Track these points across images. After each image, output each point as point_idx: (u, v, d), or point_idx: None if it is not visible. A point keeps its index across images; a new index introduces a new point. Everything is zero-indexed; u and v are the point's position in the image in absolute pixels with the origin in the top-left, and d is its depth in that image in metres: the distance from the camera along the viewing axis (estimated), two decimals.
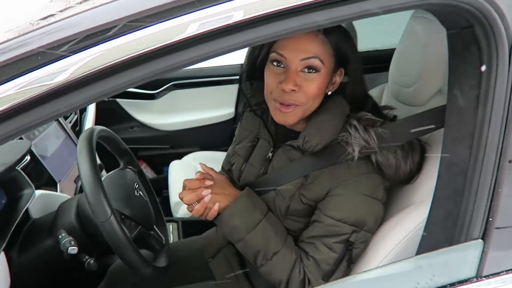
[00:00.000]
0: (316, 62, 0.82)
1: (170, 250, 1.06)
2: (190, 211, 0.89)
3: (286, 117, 0.86)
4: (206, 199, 0.87)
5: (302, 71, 0.83)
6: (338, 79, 0.89)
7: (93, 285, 1.20)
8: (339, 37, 0.84)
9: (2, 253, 0.88)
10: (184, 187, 0.90)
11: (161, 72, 0.56)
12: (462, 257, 0.64)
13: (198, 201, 0.87)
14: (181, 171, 1.88)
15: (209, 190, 0.87)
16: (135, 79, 0.55)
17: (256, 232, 0.87)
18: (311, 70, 0.83)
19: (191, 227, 1.62)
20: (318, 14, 0.57)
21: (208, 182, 0.90)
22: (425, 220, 0.75)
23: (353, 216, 0.84)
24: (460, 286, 0.62)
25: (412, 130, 0.84)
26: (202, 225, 1.35)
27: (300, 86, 0.83)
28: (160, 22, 0.54)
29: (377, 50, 2.22)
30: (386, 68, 1.16)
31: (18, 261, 0.92)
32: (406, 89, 1.04)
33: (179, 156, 2.01)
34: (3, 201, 1.03)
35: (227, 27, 0.55)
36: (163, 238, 1.07)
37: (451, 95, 0.71)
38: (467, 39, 0.65)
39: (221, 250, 1.10)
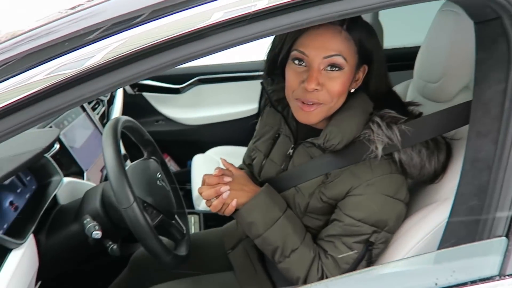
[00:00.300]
0: (339, 60, 0.80)
1: (190, 240, 1.08)
2: (209, 206, 0.90)
3: (308, 116, 0.84)
4: (224, 195, 0.87)
5: (325, 69, 0.81)
6: (361, 76, 0.87)
7: (116, 272, 1.24)
8: (363, 34, 0.82)
9: (32, 235, 0.92)
10: (203, 182, 0.92)
11: (183, 60, 0.57)
12: (484, 255, 0.62)
13: (217, 196, 0.88)
14: (203, 165, 1.91)
15: (227, 187, 0.88)
16: (157, 66, 0.56)
17: (275, 229, 0.87)
18: (334, 68, 0.81)
19: (212, 219, 1.65)
20: (340, 4, 0.57)
21: (227, 179, 0.90)
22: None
23: (374, 216, 0.83)
24: (481, 283, 0.60)
25: (437, 127, 0.82)
26: (223, 218, 1.36)
27: (323, 85, 0.81)
28: (185, 10, 0.56)
29: (404, 48, 2.18)
30: (413, 66, 1.13)
31: (46, 244, 0.96)
32: (431, 85, 1.02)
33: (203, 150, 2.04)
34: (33, 187, 1.07)
35: (250, 15, 0.55)
36: (184, 228, 1.09)
37: (477, 88, 0.69)
38: (495, 31, 0.63)
39: (241, 242, 1.11)
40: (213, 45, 0.57)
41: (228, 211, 0.89)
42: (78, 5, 0.65)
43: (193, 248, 1.07)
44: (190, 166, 1.98)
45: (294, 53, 0.83)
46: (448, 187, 0.87)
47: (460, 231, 0.67)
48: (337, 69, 0.81)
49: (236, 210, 0.90)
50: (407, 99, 1.16)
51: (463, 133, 0.87)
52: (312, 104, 0.83)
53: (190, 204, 1.77)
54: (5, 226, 0.90)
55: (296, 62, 0.83)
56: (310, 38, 0.81)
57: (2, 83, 0.56)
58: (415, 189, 0.95)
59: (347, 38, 0.81)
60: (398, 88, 1.23)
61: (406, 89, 1.21)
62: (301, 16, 0.58)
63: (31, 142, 0.96)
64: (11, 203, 0.96)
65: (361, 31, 0.82)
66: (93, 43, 0.56)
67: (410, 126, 0.82)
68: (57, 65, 0.54)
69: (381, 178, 0.83)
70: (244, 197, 0.89)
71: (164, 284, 1.08)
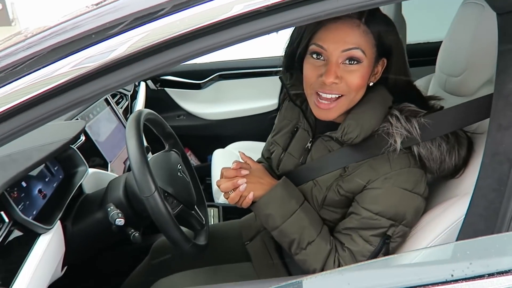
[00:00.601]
0: (358, 53, 0.80)
1: (209, 230, 1.10)
2: (226, 198, 0.92)
3: (328, 113, 0.84)
4: (241, 188, 0.89)
5: (343, 63, 0.81)
6: (380, 69, 0.86)
7: (137, 261, 1.27)
8: (381, 27, 0.82)
9: (59, 222, 0.97)
10: (221, 175, 0.93)
11: (204, 51, 0.59)
12: (502, 247, 0.61)
13: (234, 189, 0.90)
14: (224, 160, 1.93)
15: (244, 180, 0.90)
16: (178, 57, 0.58)
17: (291, 221, 0.88)
18: (352, 62, 0.80)
19: (231, 212, 1.67)
20: None
21: (244, 172, 0.92)
22: None
23: (392, 210, 0.83)
24: (499, 276, 0.59)
25: (457, 120, 0.81)
26: (242, 211, 1.38)
27: (341, 78, 0.81)
28: (206, 2, 0.57)
29: (428, 42, 2.14)
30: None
31: (72, 230, 1.00)
32: (453, 79, 1.01)
33: (223, 145, 2.06)
34: (61, 177, 1.12)
35: (269, 7, 0.56)
36: (203, 219, 1.12)
37: (498, 81, 0.69)
38: None
39: (259, 234, 1.13)
40: (233, 37, 0.58)
41: (245, 204, 0.91)
42: (103, 1, 0.67)
43: (211, 239, 1.09)
44: (210, 160, 2.01)
45: (312, 47, 0.83)
46: (469, 181, 0.86)
47: (479, 224, 0.66)
48: (355, 62, 0.81)
49: (254, 202, 0.91)
50: (429, 93, 1.15)
51: (485, 127, 0.86)
52: (330, 100, 0.83)
53: (210, 197, 1.80)
54: (34, 212, 0.95)
55: (315, 56, 0.83)
56: (328, 32, 0.80)
57: (31, 75, 0.59)
58: (435, 183, 0.94)
59: (366, 32, 0.80)
60: (420, 82, 1.22)
61: (428, 83, 1.20)
62: (320, 7, 0.58)
63: (59, 133, 1.00)
64: (40, 191, 1.01)
65: (379, 24, 0.82)
66: (117, 36, 0.58)
67: (429, 119, 0.81)
68: (83, 58, 0.57)
69: (399, 172, 0.83)
70: (261, 190, 0.90)
71: (183, 272, 1.11)
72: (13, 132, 0.59)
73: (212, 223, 1.67)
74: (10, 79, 0.58)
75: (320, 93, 0.83)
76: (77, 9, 0.71)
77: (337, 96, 0.83)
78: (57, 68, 0.59)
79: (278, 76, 1.02)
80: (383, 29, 0.82)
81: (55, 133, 0.99)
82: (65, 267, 1.05)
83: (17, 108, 0.59)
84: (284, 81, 0.99)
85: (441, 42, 1.08)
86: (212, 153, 2.02)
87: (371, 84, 0.87)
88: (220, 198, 1.73)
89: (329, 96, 0.83)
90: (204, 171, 2.03)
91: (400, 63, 0.86)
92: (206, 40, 0.57)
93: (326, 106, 0.83)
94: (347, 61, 0.81)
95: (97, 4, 0.67)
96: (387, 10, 1.72)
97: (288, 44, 0.93)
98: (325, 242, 0.87)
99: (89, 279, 1.30)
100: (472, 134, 0.87)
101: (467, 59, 0.96)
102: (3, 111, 0.58)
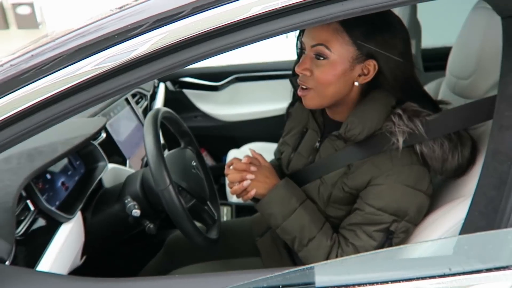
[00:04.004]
0: (322, 49, 0.84)
1: (221, 225, 1.14)
2: (230, 188, 0.97)
3: (304, 100, 0.90)
4: (245, 183, 0.94)
5: (315, 58, 0.86)
6: (371, 70, 0.86)
7: (151, 255, 1.32)
8: (360, 29, 0.82)
9: (79, 213, 1.02)
10: (230, 164, 0.98)
11: (218, 51, 0.63)
12: (501, 244, 0.63)
13: (240, 182, 0.95)
14: None
15: (252, 176, 0.94)
16: (193, 56, 0.62)
17: (292, 219, 0.91)
18: (320, 57, 0.85)
19: (244, 211, 1.71)
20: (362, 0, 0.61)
21: (253, 168, 0.96)
22: None
23: (394, 206, 0.84)
24: (497, 272, 0.61)
25: (460, 120, 0.82)
26: (254, 210, 1.42)
27: (312, 71, 0.86)
28: (224, 4, 0.61)
29: (445, 47, 2.14)
30: None
31: (92, 221, 1.05)
32: (463, 81, 1.02)
33: (238, 146, 2.11)
34: (82, 171, 1.18)
35: (269, 13, 0.60)
36: (215, 214, 1.16)
37: (502, 82, 0.70)
38: None
39: (269, 230, 1.16)
40: (243, 39, 0.62)
41: (245, 198, 0.96)
42: (126, 5, 0.72)
43: (223, 234, 1.13)
44: (225, 161, 2.06)
45: (299, 43, 0.90)
46: (474, 182, 0.87)
47: (480, 222, 0.68)
48: (322, 58, 0.85)
49: (257, 200, 0.96)
50: (439, 97, 1.17)
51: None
52: (305, 89, 0.89)
53: (224, 196, 1.85)
54: (57, 203, 1.01)
55: (303, 51, 0.90)
56: (307, 29, 0.86)
57: (57, 72, 0.64)
58: (442, 184, 0.96)
59: (336, 30, 0.83)
60: (430, 86, 1.23)
61: (439, 87, 1.22)
62: (325, 11, 0.62)
63: (81, 128, 1.06)
64: (63, 183, 1.07)
65: (357, 25, 0.82)
66: (138, 36, 0.63)
67: (432, 119, 0.83)
68: (105, 57, 0.62)
69: (401, 169, 0.85)
70: (263, 189, 0.95)
71: (195, 265, 1.16)
72: (43, 123, 0.64)
73: (225, 220, 1.71)
74: (41, 75, 0.64)
75: (299, 82, 0.90)
76: (101, 12, 0.76)
77: (306, 87, 0.89)
78: (81, 66, 0.64)
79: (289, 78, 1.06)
80: (362, 31, 0.82)
81: (78, 128, 1.05)
82: (84, 257, 1.10)
83: (47, 101, 0.64)
84: (294, 84, 1.02)
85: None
86: (227, 154, 2.06)
87: (356, 83, 0.87)
88: (234, 197, 1.77)
89: (302, 86, 0.89)
90: (219, 171, 2.07)
91: (392, 65, 0.84)
92: (220, 41, 0.61)
93: (301, 93, 0.90)
94: (316, 56, 0.86)
95: (120, 8, 0.72)
96: (402, 14, 1.73)
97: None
98: (325, 238, 0.90)
99: (106, 270, 1.35)
100: (479, 135, 0.88)
101: (476, 62, 0.98)
102: (34, 104, 0.63)
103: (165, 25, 0.62)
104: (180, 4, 0.63)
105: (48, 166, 0.93)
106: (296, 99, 1.07)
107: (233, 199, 1.76)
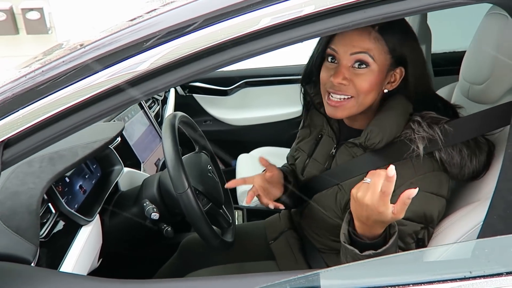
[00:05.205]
0: (365, 57, 0.84)
1: (235, 229, 1.15)
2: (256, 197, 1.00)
3: (336, 110, 0.88)
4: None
5: (352, 66, 0.85)
6: (398, 77, 0.88)
7: (166, 258, 1.34)
8: (396, 36, 0.84)
9: (98, 215, 1.04)
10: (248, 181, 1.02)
11: (229, 62, 0.64)
12: None
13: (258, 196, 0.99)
14: (248, 164, 1.99)
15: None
16: (203, 68, 0.64)
17: None
18: (361, 66, 0.85)
19: (255, 215, 1.72)
20: (383, 8, 0.62)
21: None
22: None
23: (420, 214, 0.84)
24: None
25: (478, 127, 0.83)
26: (265, 213, 1.44)
27: (350, 80, 0.85)
28: (235, 17, 0.62)
29: (454, 52, 2.15)
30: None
31: (109, 224, 1.07)
32: (477, 87, 1.03)
33: (247, 150, 2.12)
34: (98, 174, 1.20)
35: (293, 20, 0.61)
36: (230, 218, 1.17)
37: None
38: None
39: (283, 234, 1.17)
40: (259, 48, 0.64)
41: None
42: (137, 17, 0.73)
43: (237, 237, 1.14)
44: (235, 165, 2.07)
45: (327, 51, 0.89)
46: (490, 186, 0.88)
47: (498, 225, 0.69)
48: (364, 66, 0.85)
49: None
50: (452, 101, 1.18)
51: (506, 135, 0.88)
52: (339, 99, 0.87)
53: (235, 200, 1.85)
54: (76, 206, 1.03)
55: (329, 59, 0.89)
56: (341, 37, 0.86)
57: (76, 84, 0.65)
58: (457, 188, 0.97)
59: (377, 38, 0.84)
60: (443, 91, 1.24)
61: (451, 92, 1.22)
62: (346, 19, 0.63)
63: (100, 133, 1.08)
64: (81, 186, 1.09)
65: (394, 33, 0.84)
66: (150, 49, 0.64)
67: (451, 126, 0.84)
68: (119, 69, 0.63)
69: (424, 177, 0.85)
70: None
71: (209, 268, 1.17)
72: (70, 129, 0.66)
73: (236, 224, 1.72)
74: (61, 86, 0.65)
75: (331, 93, 0.88)
76: (113, 24, 0.76)
77: (345, 97, 0.87)
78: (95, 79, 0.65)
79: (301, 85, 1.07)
80: (398, 39, 0.85)
81: (97, 132, 1.07)
82: (101, 259, 1.12)
83: (70, 109, 0.66)
84: (309, 90, 1.03)
85: (464, 51, 1.11)
86: (236, 158, 2.08)
87: (385, 91, 0.89)
88: (244, 201, 1.79)
89: (338, 96, 0.87)
90: (229, 175, 2.08)
91: (418, 73, 0.88)
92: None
93: (334, 104, 0.88)
94: (356, 64, 0.85)
95: (132, 20, 0.73)
96: (412, 19, 1.75)
97: (312, 54, 0.98)
98: None
99: (120, 273, 1.37)
100: (494, 140, 0.89)
101: (490, 68, 0.98)
102: (60, 111, 0.65)
103: (177, 38, 0.63)
104: (193, 16, 0.63)
105: (69, 170, 0.95)
106: (311, 106, 1.08)
107: (244, 203, 1.77)
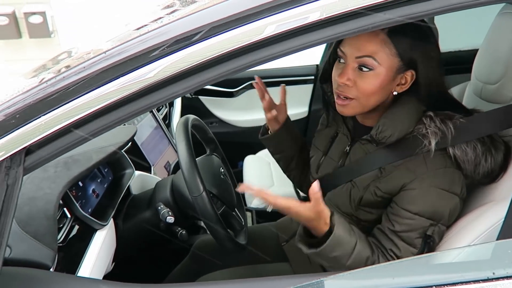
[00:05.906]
0: (370, 61, 0.83)
1: (248, 231, 1.15)
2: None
3: (342, 109, 0.90)
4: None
5: (358, 68, 0.85)
6: (408, 80, 0.87)
7: (178, 261, 1.34)
8: (406, 40, 0.83)
9: (112, 219, 1.04)
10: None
11: (240, 69, 0.64)
12: None
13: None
14: (254, 166, 1.99)
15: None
16: (209, 78, 0.64)
17: (354, 257, 0.86)
18: (365, 69, 0.84)
19: (263, 216, 1.72)
20: (391, 13, 0.62)
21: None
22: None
23: (430, 210, 0.85)
24: None
25: (492, 124, 0.83)
26: (273, 215, 1.44)
27: (354, 82, 0.86)
28: (240, 26, 0.62)
29: (459, 51, 2.14)
30: (468, 69, 1.14)
31: (123, 227, 1.07)
32: (490, 86, 1.03)
33: (254, 152, 2.12)
34: (110, 178, 1.20)
35: (298, 28, 0.61)
36: (242, 220, 1.17)
37: None
38: None
39: (295, 235, 1.17)
40: (265, 56, 0.64)
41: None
42: (143, 26, 0.73)
43: (249, 239, 1.14)
44: (241, 166, 2.07)
45: (337, 52, 0.89)
46: (506, 187, 0.88)
47: None
48: (368, 69, 0.85)
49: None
50: (464, 101, 1.18)
51: None
52: (345, 98, 0.88)
53: (243, 202, 1.86)
54: (89, 210, 1.03)
55: (339, 60, 0.89)
56: (350, 39, 0.85)
57: (92, 92, 0.65)
58: (472, 188, 0.96)
59: (384, 41, 0.83)
60: (455, 90, 1.24)
61: (463, 91, 1.22)
62: (356, 24, 0.63)
63: (113, 137, 1.08)
64: (93, 191, 1.09)
65: (404, 37, 0.83)
66: (158, 60, 0.63)
67: (464, 121, 0.83)
68: (127, 80, 0.62)
69: (436, 172, 0.85)
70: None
71: (222, 270, 1.17)
72: (98, 130, 0.66)
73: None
74: (76, 95, 0.65)
75: (337, 92, 0.89)
76: (120, 33, 0.76)
77: (347, 98, 0.88)
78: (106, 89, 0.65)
79: (308, 85, 1.06)
80: (408, 42, 0.83)
81: (109, 137, 1.07)
82: (114, 263, 1.12)
83: (91, 115, 0.66)
84: (326, 90, 1.04)
85: (471, 50, 1.11)
86: (243, 160, 2.07)
87: (395, 93, 0.89)
88: (252, 203, 1.79)
89: (342, 96, 0.89)
90: (236, 177, 2.08)
91: (431, 76, 0.86)
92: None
93: (341, 102, 0.89)
94: (361, 67, 0.85)
95: (138, 29, 0.73)
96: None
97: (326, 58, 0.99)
98: (370, 252, 0.88)
99: (133, 275, 1.37)
100: (510, 139, 0.89)
101: (504, 67, 0.98)
102: (85, 116, 0.65)
103: (184, 48, 0.62)
104: (199, 25, 0.62)
105: (84, 174, 0.95)
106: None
107: (253, 204, 1.77)
